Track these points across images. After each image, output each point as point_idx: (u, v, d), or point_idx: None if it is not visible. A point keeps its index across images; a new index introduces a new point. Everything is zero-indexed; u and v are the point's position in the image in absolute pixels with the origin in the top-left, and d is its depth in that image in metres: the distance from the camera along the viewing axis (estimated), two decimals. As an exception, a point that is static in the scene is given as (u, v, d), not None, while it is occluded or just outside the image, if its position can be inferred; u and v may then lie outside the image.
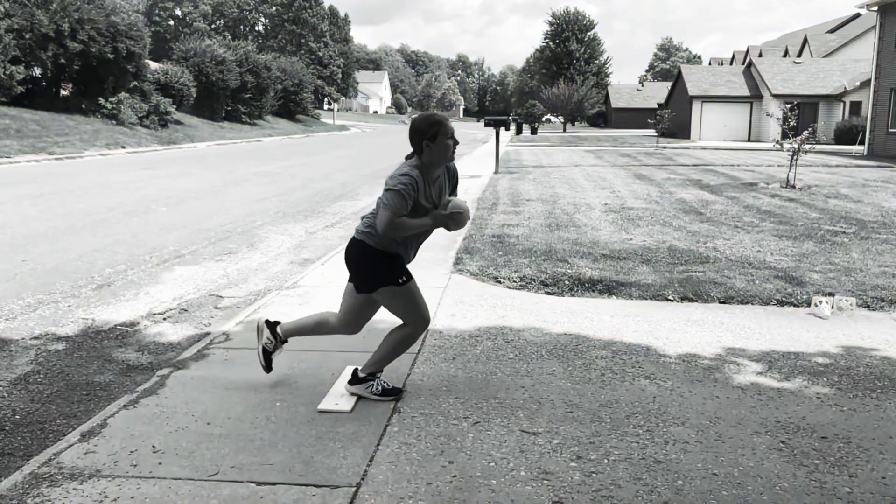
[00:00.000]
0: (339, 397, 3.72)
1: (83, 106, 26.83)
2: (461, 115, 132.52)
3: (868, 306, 5.48)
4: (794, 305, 5.51)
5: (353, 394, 3.69)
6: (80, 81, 27.06)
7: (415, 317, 3.64)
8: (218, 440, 3.20)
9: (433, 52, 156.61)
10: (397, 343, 3.68)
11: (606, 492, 2.79)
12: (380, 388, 3.68)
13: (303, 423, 3.41)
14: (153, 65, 33.94)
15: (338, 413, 3.55)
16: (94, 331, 4.99)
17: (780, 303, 5.55)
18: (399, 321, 3.72)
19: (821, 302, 5.30)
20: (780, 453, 3.12)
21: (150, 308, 5.56)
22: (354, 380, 3.70)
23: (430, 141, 3.45)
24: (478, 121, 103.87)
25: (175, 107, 31.80)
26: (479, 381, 3.94)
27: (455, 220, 3.55)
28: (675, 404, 3.65)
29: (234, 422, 3.42)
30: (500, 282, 6.20)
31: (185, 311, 5.52)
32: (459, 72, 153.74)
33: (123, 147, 24.17)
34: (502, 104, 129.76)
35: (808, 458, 3.09)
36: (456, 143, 3.53)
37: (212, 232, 8.85)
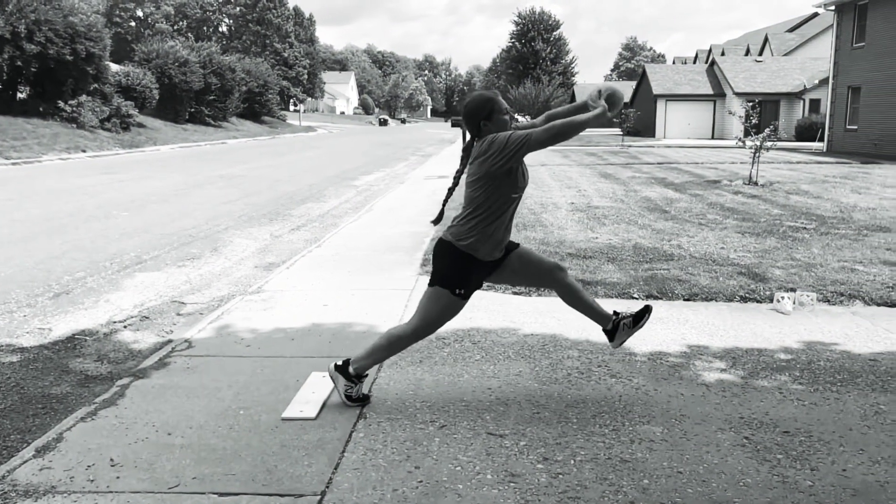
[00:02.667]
0: (303, 404, 3.67)
1: (41, 109, 26.22)
2: (429, 116, 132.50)
3: (828, 301, 5.58)
4: (757, 301, 5.58)
5: (330, 377, 3.63)
6: (38, 84, 26.44)
7: (425, 325, 3.53)
8: (179, 451, 3.13)
9: (400, 53, 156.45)
10: (394, 341, 3.59)
11: (573, 493, 2.78)
12: (358, 394, 3.62)
13: (266, 431, 3.36)
14: (114, 67, 33.29)
15: (303, 420, 3.49)
16: (50, 341, 4.86)
17: (744, 299, 5.62)
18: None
19: (783, 298, 5.37)
20: (743, 449, 3.15)
21: (110, 316, 5.43)
22: (343, 368, 3.60)
23: (487, 120, 3.41)
24: (445, 121, 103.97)
25: (137, 109, 31.22)
26: (446, 383, 3.91)
27: (613, 101, 3.47)
28: (641, 403, 3.67)
29: (196, 431, 3.34)
30: (467, 283, 6.17)
31: (147, 318, 5.41)
32: (427, 72, 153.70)
33: (84, 151, 23.67)
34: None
35: (771, 452, 3.12)
36: (513, 117, 3.49)
37: (174, 237, 8.70)
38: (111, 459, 3.05)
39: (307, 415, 3.54)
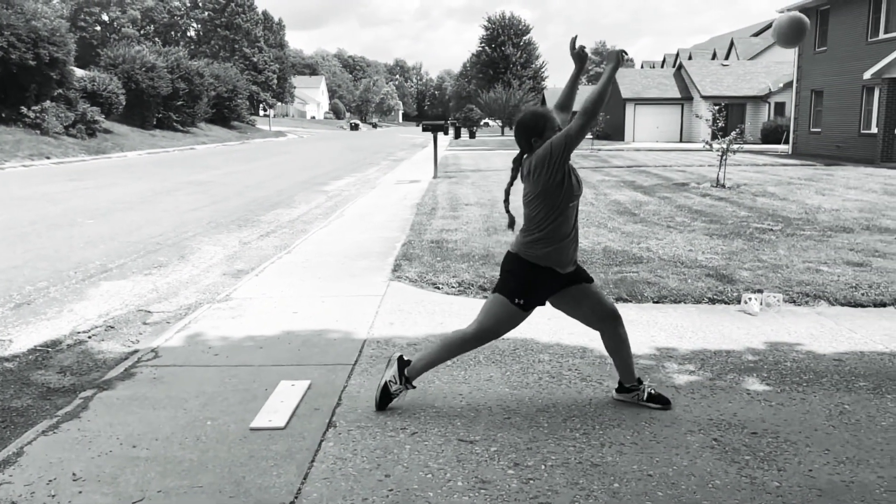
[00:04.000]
0: (272, 413, 3.62)
1: (3, 115, 25.69)
2: (400, 120, 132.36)
3: (794, 301, 5.66)
4: (725, 303, 5.64)
5: (389, 361, 3.66)
6: (0, 90, 25.91)
7: (487, 329, 3.52)
8: (144, 464, 3.07)
9: (370, 57, 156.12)
10: (451, 345, 3.58)
11: (544, 498, 2.78)
12: (399, 390, 3.62)
13: (234, 441, 3.31)
14: (79, 72, 32.76)
15: (271, 430, 3.45)
16: (11, 353, 4.73)
17: (712, 301, 5.68)
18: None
19: (750, 299, 5.44)
20: (712, 451, 3.18)
21: (74, 326, 5.32)
22: (401, 363, 3.62)
23: (538, 137, 3.40)
24: (417, 125, 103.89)
25: (104, 115, 30.75)
26: (417, 390, 3.88)
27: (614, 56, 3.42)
28: (611, 406, 3.68)
29: (162, 443, 3.28)
30: (438, 288, 6.17)
31: (112, 328, 5.30)
32: (398, 76, 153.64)
33: (48, 157, 23.24)
34: (441, 109, 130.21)
35: (739, 454, 3.15)
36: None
37: (141, 244, 8.56)
38: (73, 474, 2.98)
39: (276, 424, 3.50)
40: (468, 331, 3.56)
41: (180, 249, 8.26)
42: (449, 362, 4.30)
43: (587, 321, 3.69)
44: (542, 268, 3.43)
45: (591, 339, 4.76)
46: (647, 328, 5.01)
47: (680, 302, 5.68)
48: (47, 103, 26.45)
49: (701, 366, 4.28)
